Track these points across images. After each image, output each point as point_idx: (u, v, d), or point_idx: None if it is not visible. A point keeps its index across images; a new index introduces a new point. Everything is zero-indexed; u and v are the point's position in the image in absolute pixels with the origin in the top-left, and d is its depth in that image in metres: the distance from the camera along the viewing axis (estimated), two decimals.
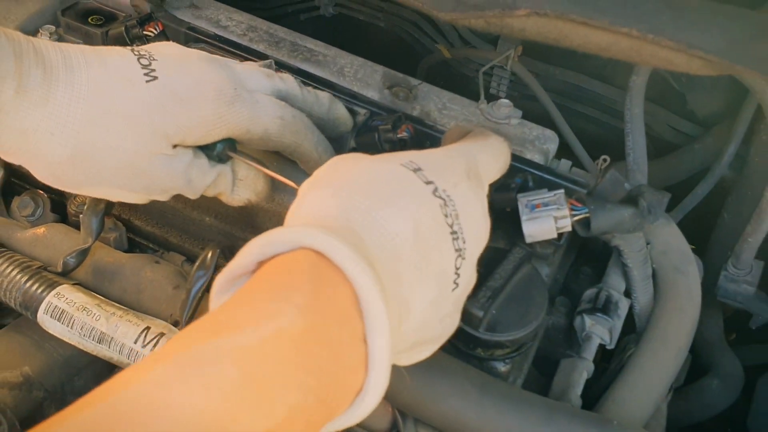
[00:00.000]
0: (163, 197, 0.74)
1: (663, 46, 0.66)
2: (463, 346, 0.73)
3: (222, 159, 0.74)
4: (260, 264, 0.48)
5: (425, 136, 0.89)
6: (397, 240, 0.51)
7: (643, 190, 0.79)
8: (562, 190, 0.75)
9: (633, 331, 0.89)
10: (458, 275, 0.56)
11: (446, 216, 0.55)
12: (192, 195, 0.75)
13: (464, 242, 0.56)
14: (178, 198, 0.86)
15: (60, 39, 0.96)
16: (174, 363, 0.40)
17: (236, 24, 1.00)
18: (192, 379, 0.39)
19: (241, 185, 0.78)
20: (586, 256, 0.94)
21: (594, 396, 0.81)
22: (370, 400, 0.47)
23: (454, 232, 0.56)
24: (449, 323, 0.58)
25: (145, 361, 0.41)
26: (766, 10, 0.82)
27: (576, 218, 0.74)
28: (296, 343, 0.43)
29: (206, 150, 0.73)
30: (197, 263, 0.76)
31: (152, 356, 0.42)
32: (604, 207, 0.74)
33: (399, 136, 0.85)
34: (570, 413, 0.68)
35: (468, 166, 0.62)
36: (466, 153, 0.64)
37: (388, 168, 0.57)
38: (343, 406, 0.46)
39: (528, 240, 0.75)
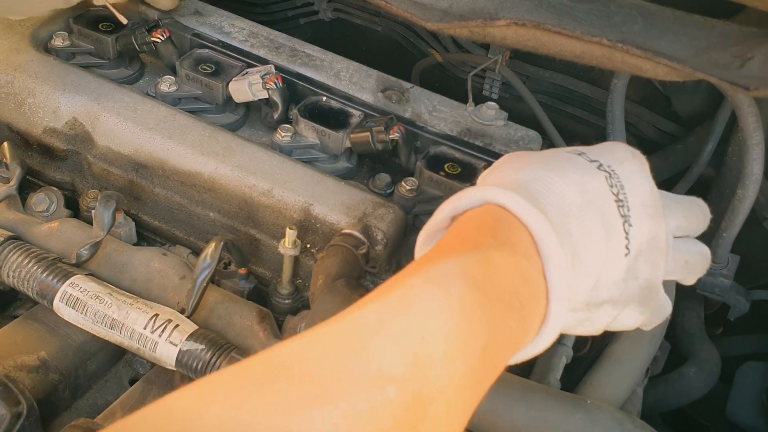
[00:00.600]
0: None
1: (631, 54, 0.71)
2: None
3: None
4: (453, 218, 0.58)
5: (416, 137, 0.95)
6: (565, 200, 0.58)
7: None
8: None
9: None
10: (628, 240, 0.61)
11: (611, 186, 0.61)
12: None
13: (629, 210, 0.61)
14: (183, 194, 0.92)
15: (72, 45, 1.01)
16: (420, 280, 0.48)
17: (238, 30, 1.05)
18: (436, 293, 0.47)
19: None
20: None
21: (575, 380, 0.87)
22: (552, 328, 0.54)
23: (619, 200, 0.61)
24: (624, 289, 0.62)
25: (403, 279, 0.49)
26: (734, 19, 0.87)
27: None
28: (500, 270, 0.51)
29: None
30: (202, 255, 0.81)
31: (408, 274, 0.49)
32: None
33: (391, 136, 0.90)
34: (545, 393, 0.73)
35: (632, 151, 0.67)
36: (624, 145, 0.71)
37: (556, 152, 0.65)
38: (530, 335, 0.54)
39: None
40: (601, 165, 0.63)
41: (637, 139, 1.41)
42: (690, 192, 1.23)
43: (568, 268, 0.55)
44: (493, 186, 0.56)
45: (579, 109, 1.43)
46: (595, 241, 0.59)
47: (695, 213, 0.70)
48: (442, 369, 0.44)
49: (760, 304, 1.29)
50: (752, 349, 1.32)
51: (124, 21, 0.98)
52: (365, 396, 0.40)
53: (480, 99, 1.44)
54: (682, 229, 0.68)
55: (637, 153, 0.68)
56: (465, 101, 1.01)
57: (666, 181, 1.29)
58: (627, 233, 0.61)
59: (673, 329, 1.25)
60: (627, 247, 0.61)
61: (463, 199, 0.57)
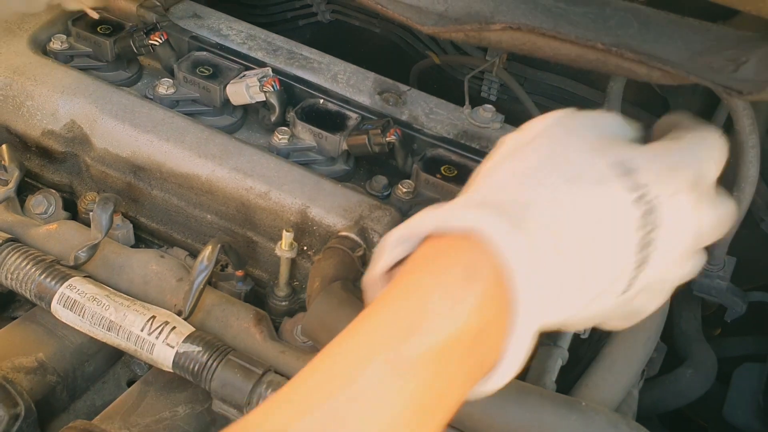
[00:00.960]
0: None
1: (625, 58, 0.71)
2: None
3: None
4: (430, 234, 0.51)
5: (413, 139, 0.95)
6: (567, 239, 0.51)
7: None
8: None
9: None
10: (631, 284, 0.54)
11: (643, 226, 0.53)
12: None
13: (652, 252, 0.53)
14: (181, 197, 0.93)
15: (71, 47, 1.02)
16: (377, 366, 0.46)
17: (236, 33, 1.06)
18: (391, 382, 0.45)
19: None
20: None
21: (571, 382, 0.87)
22: (497, 381, 0.51)
23: (646, 244, 0.53)
24: (599, 313, 0.56)
25: (353, 362, 0.47)
26: (729, 23, 0.87)
27: None
28: (470, 342, 0.48)
29: None
30: (199, 258, 0.81)
31: (357, 357, 0.47)
32: None
33: (387, 139, 0.91)
34: (540, 394, 0.74)
35: (697, 175, 0.57)
36: (695, 156, 0.59)
37: (594, 166, 0.54)
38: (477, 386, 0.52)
39: None
40: (644, 196, 0.53)
41: None
42: None
43: (538, 320, 0.50)
44: (488, 213, 0.49)
45: None
46: (581, 288, 0.53)
47: (724, 232, 0.62)
48: None
49: (758, 305, 1.30)
50: (749, 351, 1.33)
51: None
52: None
53: (478, 100, 1.44)
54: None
55: (703, 178, 0.58)
56: (463, 103, 1.02)
57: None
58: (635, 277, 0.54)
59: (670, 331, 1.25)
60: (629, 286, 0.55)
61: (451, 221, 0.50)
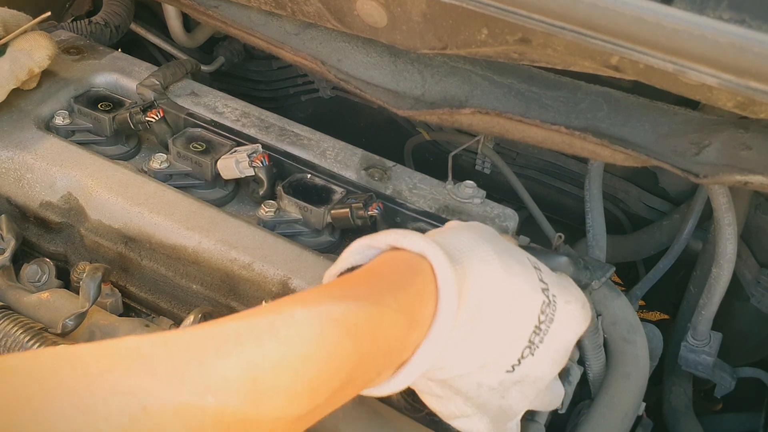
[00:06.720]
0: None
1: (589, 141, 0.74)
2: (420, 405, 0.79)
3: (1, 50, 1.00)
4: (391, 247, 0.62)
5: (396, 213, 0.98)
6: (497, 288, 0.59)
7: (587, 259, 0.86)
8: None
9: (590, 396, 0.95)
10: (519, 363, 0.62)
11: (542, 312, 0.62)
12: (18, 83, 1.01)
13: (542, 342, 0.62)
14: (169, 267, 0.95)
15: (72, 123, 1.07)
16: (303, 315, 0.52)
17: (231, 110, 1.10)
18: (310, 332, 0.51)
19: (35, 54, 1.01)
20: None
21: None
22: (402, 381, 0.58)
23: (538, 328, 0.62)
24: (486, 398, 0.63)
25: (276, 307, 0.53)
26: (700, 107, 0.90)
27: None
28: (384, 330, 0.54)
29: None
30: (179, 327, 0.83)
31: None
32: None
33: (369, 213, 0.93)
34: None
35: (584, 302, 0.68)
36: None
37: (518, 252, 0.66)
38: (383, 379, 0.58)
39: None
40: (548, 290, 0.63)
41: (628, 215, 1.44)
42: (676, 266, 1.24)
43: (447, 337, 0.57)
44: (427, 240, 0.59)
45: (569, 185, 1.46)
46: (478, 348, 0.60)
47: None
48: (281, 401, 0.47)
49: (757, 381, 1.28)
50: (744, 428, 1.31)
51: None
52: (186, 399, 0.43)
53: (473, 174, 1.48)
54: None
55: (588, 305, 0.68)
56: (459, 176, 1.04)
57: (652, 257, 1.31)
58: (522, 357, 0.62)
59: (660, 406, 1.24)
60: (513, 367, 0.62)
61: (407, 241, 0.60)
